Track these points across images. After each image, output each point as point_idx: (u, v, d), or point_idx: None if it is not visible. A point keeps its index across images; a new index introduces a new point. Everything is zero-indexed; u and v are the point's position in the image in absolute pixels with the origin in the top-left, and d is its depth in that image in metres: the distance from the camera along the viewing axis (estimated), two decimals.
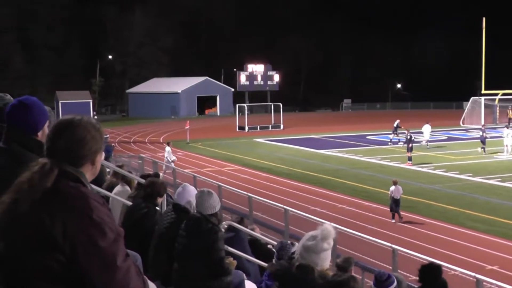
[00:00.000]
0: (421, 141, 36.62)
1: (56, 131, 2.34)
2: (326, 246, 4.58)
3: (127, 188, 8.13)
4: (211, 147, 39.66)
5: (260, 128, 53.49)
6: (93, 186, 4.24)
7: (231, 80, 74.28)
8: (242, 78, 57.96)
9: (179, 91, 76.23)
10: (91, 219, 2.17)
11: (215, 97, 79.77)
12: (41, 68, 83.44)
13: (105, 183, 8.31)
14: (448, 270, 10.23)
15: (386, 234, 16.86)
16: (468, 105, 56.76)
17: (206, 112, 79.72)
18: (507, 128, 33.73)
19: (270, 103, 57.04)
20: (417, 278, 7.16)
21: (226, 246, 6.18)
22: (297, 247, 4.98)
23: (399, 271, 10.25)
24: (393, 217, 19.00)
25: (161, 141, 44.75)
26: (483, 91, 53.29)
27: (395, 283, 5.64)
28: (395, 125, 39.37)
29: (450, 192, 23.33)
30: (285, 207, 14.96)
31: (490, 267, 14.33)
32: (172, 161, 27.26)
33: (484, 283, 9.68)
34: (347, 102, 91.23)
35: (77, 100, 54.82)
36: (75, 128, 2.33)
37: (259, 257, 7.50)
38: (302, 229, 13.09)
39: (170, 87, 77.66)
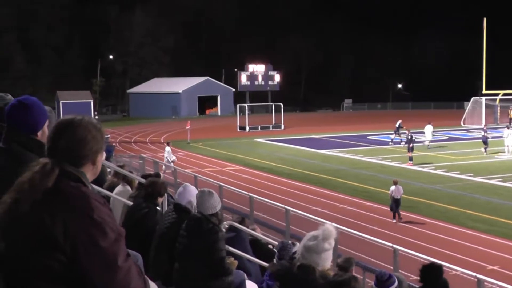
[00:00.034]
0: (424, 141, 36.66)
1: (57, 131, 2.34)
2: (327, 246, 4.57)
3: (128, 188, 8.13)
4: (212, 147, 39.66)
5: (261, 128, 53.49)
6: (94, 186, 4.24)
7: (232, 80, 74.33)
8: (243, 78, 57.98)
9: (180, 91, 76.26)
10: (92, 219, 2.17)
11: (216, 97, 79.81)
12: (42, 68, 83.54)
13: (106, 183, 8.30)
14: (449, 270, 10.23)
15: (387, 234, 16.85)
16: (469, 105, 56.73)
17: (207, 112, 79.73)
18: (508, 128, 33.70)
19: (271, 103, 57.06)
20: (418, 278, 7.15)
21: (227, 246, 6.18)
22: (298, 247, 4.97)
23: (400, 271, 10.24)
24: (394, 217, 18.99)
25: (162, 141, 44.75)
26: (484, 91, 53.25)
27: (396, 283, 5.63)
28: (397, 125, 39.34)
29: (451, 192, 23.32)
30: (286, 207, 14.96)
31: (491, 267, 14.32)
32: (172, 161, 27.31)
33: (485, 283, 9.68)
34: (348, 102, 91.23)
35: (78, 100, 54.88)
36: (76, 128, 2.33)
37: (260, 257, 7.50)
38: (303, 229, 13.09)
39: (171, 87, 77.69)
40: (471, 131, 47.13)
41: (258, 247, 8.09)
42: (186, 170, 24.37)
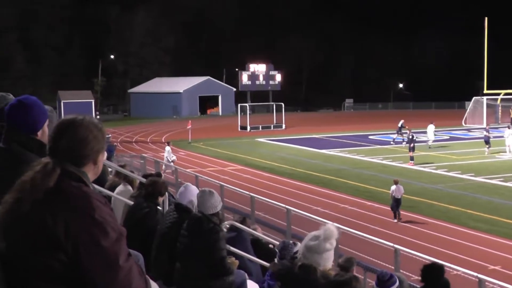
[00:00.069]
0: (427, 141, 36.67)
1: (58, 130, 2.34)
2: (329, 246, 4.57)
3: (129, 187, 8.12)
4: (213, 147, 39.65)
5: (262, 128, 53.50)
6: (95, 186, 4.23)
7: (233, 80, 74.30)
8: (244, 77, 57.90)
9: (181, 91, 76.27)
10: (93, 218, 2.16)
11: (217, 97, 79.82)
12: (43, 68, 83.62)
13: (107, 182, 8.30)
14: (451, 270, 10.22)
15: (388, 234, 16.84)
16: (470, 105, 56.71)
17: (208, 112, 79.75)
18: (509, 128, 33.66)
19: (272, 103, 57.04)
20: (420, 278, 7.15)
21: (228, 246, 6.18)
22: (299, 247, 4.97)
23: (401, 271, 10.24)
24: (395, 217, 18.98)
25: (163, 141, 44.74)
26: (485, 91, 53.21)
27: (397, 283, 5.63)
28: (399, 125, 39.32)
29: (452, 192, 23.30)
30: (287, 207, 14.96)
31: (492, 267, 14.30)
32: (172, 161, 27.32)
33: (486, 283, 9.67)
34: (349, 102, 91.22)
35: (79, 100, 54.94)
36: (77, 128, 2.33)
37: (261, 257, 7.49)
38: (304, 229, 13.10)
39: (172, 87, 77.71)
40: (472, 131, 47.11)
41: (259, 247, 8.08)
42: (187, 170, 24.39)
